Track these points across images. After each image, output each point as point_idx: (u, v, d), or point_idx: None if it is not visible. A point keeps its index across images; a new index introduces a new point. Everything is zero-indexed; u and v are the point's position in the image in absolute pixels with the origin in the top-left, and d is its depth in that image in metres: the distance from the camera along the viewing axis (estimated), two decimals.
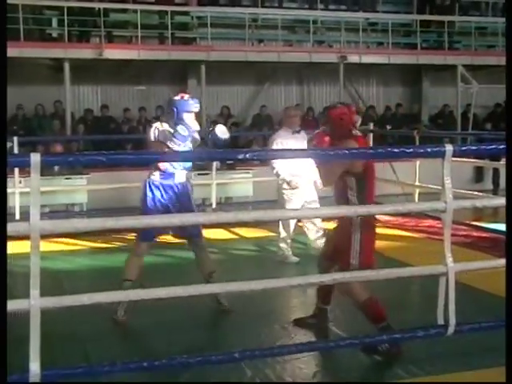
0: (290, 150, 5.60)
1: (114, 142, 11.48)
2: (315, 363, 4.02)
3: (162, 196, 4.98)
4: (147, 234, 4.94)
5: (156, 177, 5.00)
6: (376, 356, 4.02)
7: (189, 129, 4.97)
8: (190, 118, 5.00)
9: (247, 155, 3.55)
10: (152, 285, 3.58)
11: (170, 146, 4.88)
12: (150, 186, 4.99)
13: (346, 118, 4.19)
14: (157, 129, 4.97)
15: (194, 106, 5.02)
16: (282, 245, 6.81)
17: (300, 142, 6.23)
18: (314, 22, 13.88)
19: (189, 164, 5.13)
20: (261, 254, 7.34)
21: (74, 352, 4.23)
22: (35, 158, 3.06)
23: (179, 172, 5.03)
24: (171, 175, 5.01)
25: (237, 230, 8.25)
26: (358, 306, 4.15)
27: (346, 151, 3.83)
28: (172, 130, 4.94)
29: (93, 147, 11.44)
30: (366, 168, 4.14)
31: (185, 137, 4.95)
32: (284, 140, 6.54)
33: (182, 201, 5.02)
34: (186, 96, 5.07)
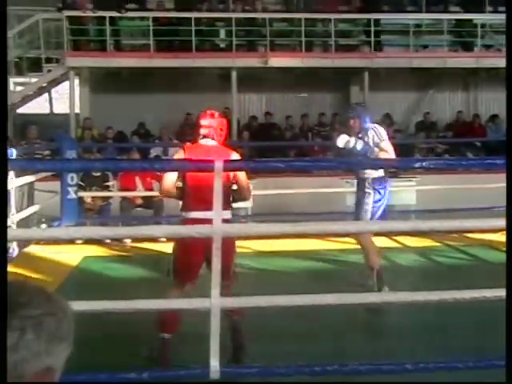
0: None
1: (277, 149, 11.70)
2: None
3: None
4: None
5: None
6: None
7: None
8: None
9: (424, 164, 3.52)
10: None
11: None
12: None
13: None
14: None
15: None
16: None
17: None
18: (482, 25, 13.36)
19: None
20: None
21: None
22: (219, 164, 3.22)
23: None
24: None
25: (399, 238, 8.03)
26: None
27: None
28: None
29: (257, 154, 11.75)
30: (184, 177, 4.06)
31: None
32: None
33: None
34: None
